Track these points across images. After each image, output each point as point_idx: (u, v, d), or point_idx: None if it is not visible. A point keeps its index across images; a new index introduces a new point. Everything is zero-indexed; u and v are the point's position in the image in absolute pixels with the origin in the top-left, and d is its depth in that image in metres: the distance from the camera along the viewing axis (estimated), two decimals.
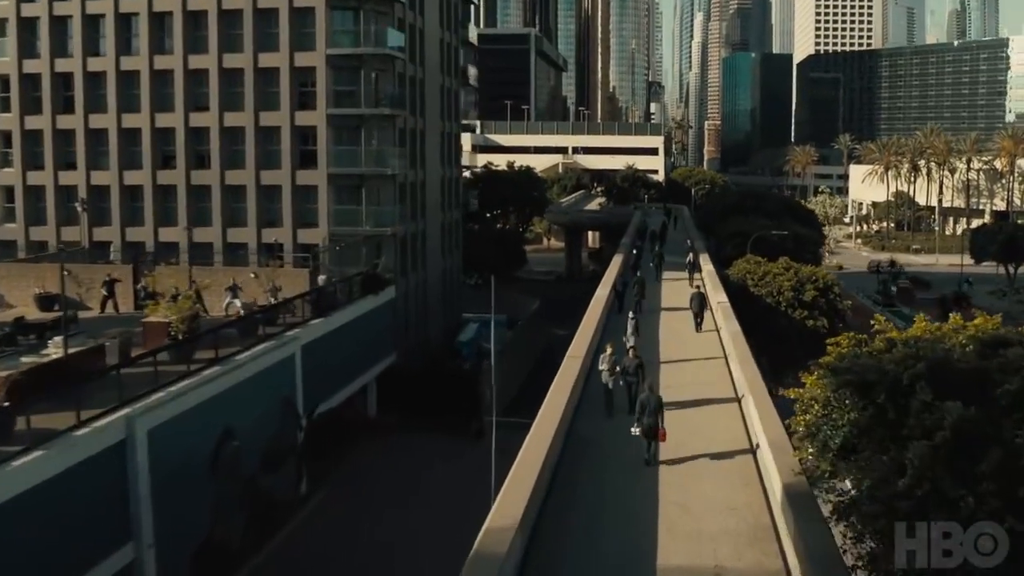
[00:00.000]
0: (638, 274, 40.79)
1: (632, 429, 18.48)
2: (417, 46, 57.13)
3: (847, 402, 13.46)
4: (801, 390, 15.36)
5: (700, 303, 32.67)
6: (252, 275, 45.07)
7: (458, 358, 59.61)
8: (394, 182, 53.38)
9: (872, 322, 17.97)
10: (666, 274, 47.42)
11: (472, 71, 75.58)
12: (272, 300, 41.63)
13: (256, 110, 52.47)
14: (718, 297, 36.55)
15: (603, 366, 22.79)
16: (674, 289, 42.57)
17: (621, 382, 22.30)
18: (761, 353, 33.67)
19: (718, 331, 31.99)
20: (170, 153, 54.49)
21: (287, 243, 52.56)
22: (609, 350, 23.12)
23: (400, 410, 50.25)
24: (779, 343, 44.10)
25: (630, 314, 29.65)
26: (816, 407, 14.46)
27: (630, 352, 22.88)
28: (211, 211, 54.20)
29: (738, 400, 23.40)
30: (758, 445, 18.60)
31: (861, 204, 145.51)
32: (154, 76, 53.68)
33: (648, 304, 38.09)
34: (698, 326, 32.58)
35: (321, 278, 47.89)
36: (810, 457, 14.32)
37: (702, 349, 30.28)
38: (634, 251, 46.93)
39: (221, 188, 53.75)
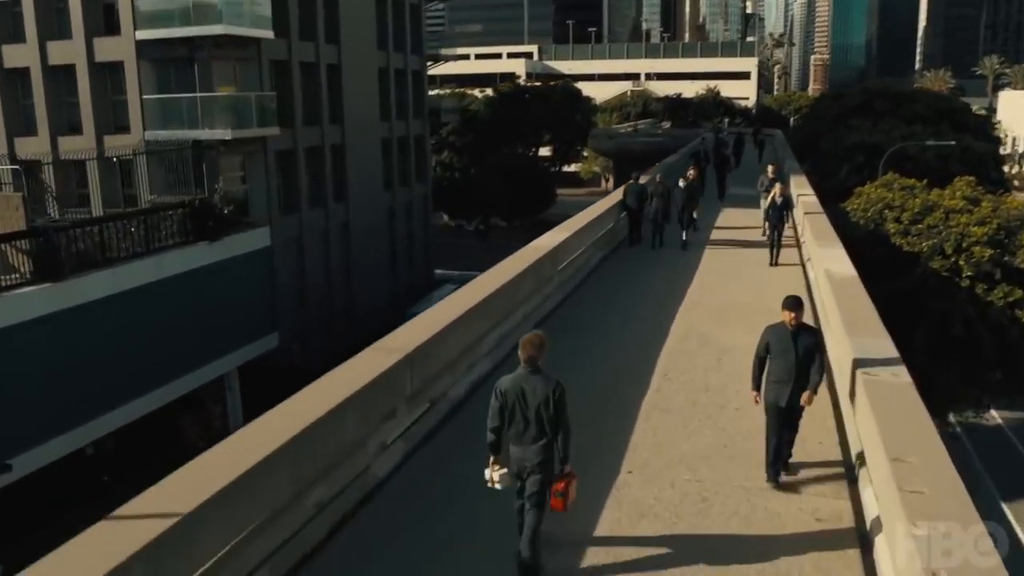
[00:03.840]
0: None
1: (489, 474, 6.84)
2: None
3: None
4: None
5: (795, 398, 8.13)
6: None
7: None
8: (258, 55, 31.34)
9: None
10: (727, 218, 24.96)
11: None
12: None
13: None
14: (840, 280, 13.87)
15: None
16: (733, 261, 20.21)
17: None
18: (925, 377, 11.71)
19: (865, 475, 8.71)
20: None
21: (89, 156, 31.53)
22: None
23: None
24: (960, 354, 20.73)
25: None
26: None
27: None
28: None
29: None
30: None
31: (1015, 140, 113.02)
32: None
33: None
34: (779, 468, 8.38)
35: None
36: None
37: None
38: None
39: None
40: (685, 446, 9.29)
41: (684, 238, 21.28)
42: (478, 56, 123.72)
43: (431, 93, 78.19)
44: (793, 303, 8.03)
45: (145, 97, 29.87)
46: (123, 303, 24.78)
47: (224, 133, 29.23)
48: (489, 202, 56.94)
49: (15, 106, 33.05)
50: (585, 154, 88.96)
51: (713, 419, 10.13)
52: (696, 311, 15.35)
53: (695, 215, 22.16)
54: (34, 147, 32.21)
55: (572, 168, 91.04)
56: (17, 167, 25.77)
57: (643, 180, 23.49)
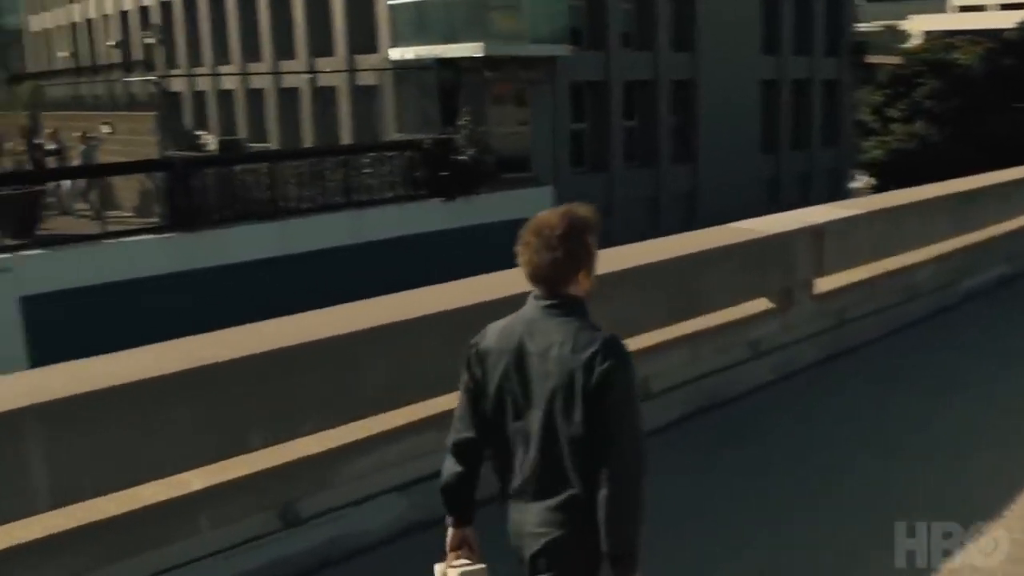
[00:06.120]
0: None
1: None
2: None
3: None
4: None
5: None
6: (104, 126, 22.45)
7: None
8: None
9: None
10: None
11: None
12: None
13: None
14: None
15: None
16: None
17: None
18: None
19: None
20: None
21: (341, 81, 25.21)
22: None
23: None
24: None
25: None
26: None
27: None
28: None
29: None
30: None
31: None
32: None
33: None
34: None
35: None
36: None
37: None
38: None
39: None
40: None
41: None
42: (962, 8, 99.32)
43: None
44: None
45: (391, 2, 22.04)
46: (291, 270, 18.09)
47: (475, 48, 20.26)
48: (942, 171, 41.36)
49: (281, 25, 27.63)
50: None
51: None
52: None
53: None
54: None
55: None
56: (155, 79, 19.70)
57: None
